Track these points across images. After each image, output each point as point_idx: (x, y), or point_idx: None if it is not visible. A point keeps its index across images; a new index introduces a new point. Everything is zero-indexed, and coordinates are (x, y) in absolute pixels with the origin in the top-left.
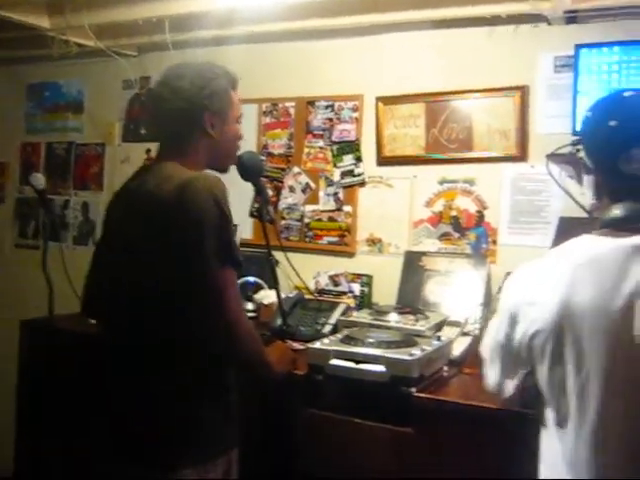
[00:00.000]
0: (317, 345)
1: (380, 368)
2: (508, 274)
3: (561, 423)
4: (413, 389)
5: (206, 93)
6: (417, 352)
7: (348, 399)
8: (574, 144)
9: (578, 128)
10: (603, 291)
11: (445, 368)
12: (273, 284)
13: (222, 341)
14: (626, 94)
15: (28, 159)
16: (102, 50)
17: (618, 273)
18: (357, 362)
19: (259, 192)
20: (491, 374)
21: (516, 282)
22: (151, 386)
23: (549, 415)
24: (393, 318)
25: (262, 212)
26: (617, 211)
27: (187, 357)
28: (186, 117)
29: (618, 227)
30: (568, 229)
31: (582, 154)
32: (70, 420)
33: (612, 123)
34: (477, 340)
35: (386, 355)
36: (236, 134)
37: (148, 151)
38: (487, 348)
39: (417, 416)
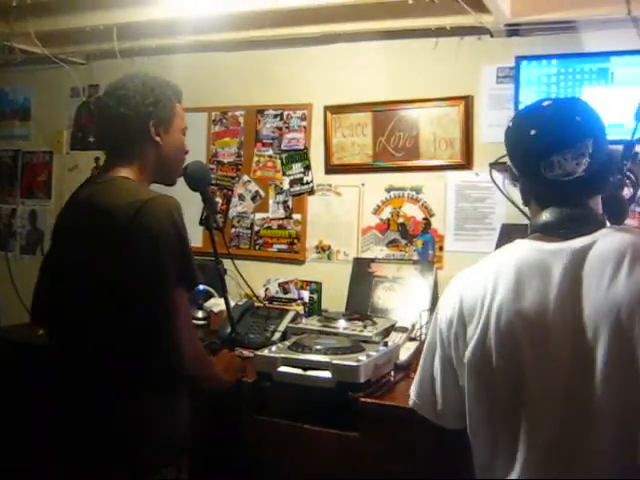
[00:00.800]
0: (265, 352)
1: (327, 374)
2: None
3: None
4: (359, 394)
5: (151, 101)
6: (363, 358)
7: (296, 405)
8: None
9: None
10: (532, 295)
11: (392, 373)
12: (222, 293)
13: (169, 359)
14: (545, 103)
15: None
16: (50, 57)
17: (545, 276)
18: (305, 369)
19: (206, 201)
20: (413, 391)
21: (446, 297)
22: (98, 397)
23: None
24: (342, 325)
25: (209, 221)
26: (544, 217)
27: (133, 370)
28: (131, 125)
29: (546, 232)
30: (510, 235)
31: (508, 163)
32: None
33: (532, 132)
34: (423, 345)
35: (333, 361)
36: (181, 145)
37: (97, 159)
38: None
39: (364, 421)
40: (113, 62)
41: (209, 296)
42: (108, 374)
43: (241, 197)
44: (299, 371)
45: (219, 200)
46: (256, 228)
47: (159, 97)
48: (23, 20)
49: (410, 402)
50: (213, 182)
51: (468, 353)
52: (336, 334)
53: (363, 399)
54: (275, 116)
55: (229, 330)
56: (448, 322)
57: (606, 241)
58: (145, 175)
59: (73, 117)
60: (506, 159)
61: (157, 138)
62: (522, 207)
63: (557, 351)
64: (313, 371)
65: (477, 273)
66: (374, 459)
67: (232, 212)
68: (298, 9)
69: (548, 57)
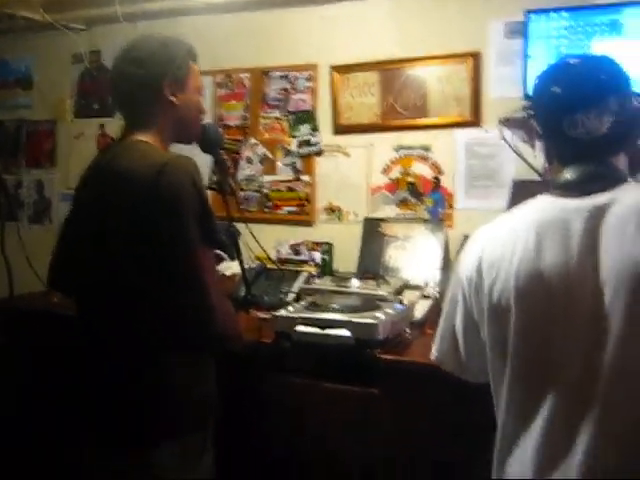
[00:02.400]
0: (283, 313)
1: (345, 332)
2: (465, 237)
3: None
4: (377, 351)
5: (163, 60)
6: (381, 315)
7: (316, 364)
8: (525, 108)
9: (529, 92)
10: (552, 253)
11: (408, 330)
12: (236, 255)
13: (199, 317)
14: (571, 61)
15: None
16: (50, 24)
17: (565, 234)
18: (323, 328)
19: (218, 164)
20: (435, 346)
21: (467, 252)
22: (123, 362)
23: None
24: (355, 284)
25: (222, 184)
26: (565, 175)
27: (160, 332)
28: (146, 86)
29: (567, 189)
30: (522, 192)
31: (533, 119)
32: (39, 404)
33: (555, 89)
34: (437, 302)
35: (351, 320)
36: (198, 105)
37: (102, 126)
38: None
39: (382, 377)
40: (114, 27)
41: (220, 259)
42: (136, 338)
43: (249, 160)
44: (317, 330)
45: (227, 164)
46: (265, 191)
47: (172, 56)
48: None
49: (432, 357)
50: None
51: (487, 308)
52: (350, 293)
53: (381, 355)
54: (281, 77)
55: (244, 292)
56: (469, 277)
57: (627, 197)
58: (163, 136)
59: (76, 84)
60: (515, 114)
61: (173, 98)
62: (532, 163)
63: (575, 310)
64: (331, 329)
65: (498, 229)
66: (394, 414)
67: (240, 175)
68: None
69: (558, 10)
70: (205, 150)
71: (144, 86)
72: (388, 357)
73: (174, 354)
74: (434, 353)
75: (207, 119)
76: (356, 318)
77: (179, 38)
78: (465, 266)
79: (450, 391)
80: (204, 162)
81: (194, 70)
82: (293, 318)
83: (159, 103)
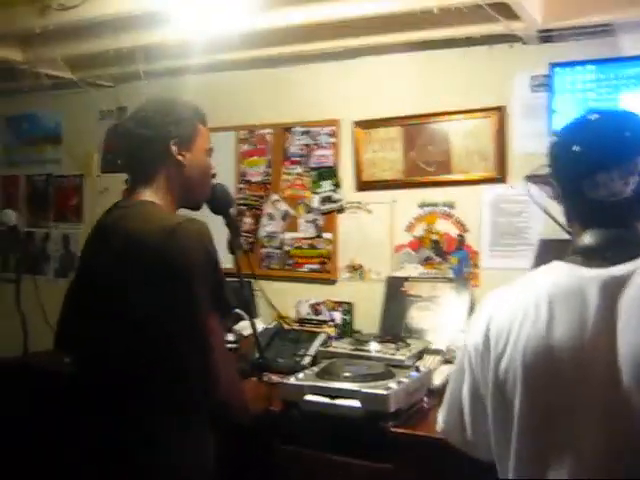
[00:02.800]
0: (291, 380)
1: (355, 403)
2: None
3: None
4: (390, 423)
5: (171, 120)
6: (394, 385)
7: (325, 435)
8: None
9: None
10: (564, 327)
11: (425, 399)
12: (249, 316)
13: (203, 385)
14: (591, 116)
15: (7, 192)
16: (77, 82)
17: (580, 307)
18: (332, 397)
19: (229, 225)
20: (441, 417)
21: (475, 320)
22: (123, 428)
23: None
24: (373, 347)
25: (233, 245)
26: (585, 240)
27: (161, 399)
28: (153, 145)
29: (586, 256)
30: (548, 251)
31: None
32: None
33: (575, 148)
34: None
35: (362, 390)
36: (206, 166)
37: (127, 181)
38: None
39: (396, 451)
40: (140, 84)
41: (240, 319)
42: (138, 403)
43: (270, 216)
44: (327, 400)
45: (249, 220)
46: (286, 248)
47: (179, 116)
48: (47, 45)
49: (438, 428)
50: (242, 202)
51: (492, 384)
52: (367, 358)
53: (394, 429)
54: (303, 133)
55: (257, 355)
56: (475, 346)
57: None
58: (170, 198)
59: (103, 140)
60: (544, 172)
61: (180, 157)
62: (561, 221)
63: (587, 392)
64: (341, 399)
65: (508, 296)
66: None
67: (261, 232)
68: (320, 23)
69: (583, 62)
70: (215, 212)
71: (152, 146)
72: (401, 430)
73: (172, 421)
74: (440, 424)
75: (228, 175)
76: (367, 388)
77: (186, 100)
78: (472, 334)
79: (471, 467)
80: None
81: (202, 131)
82: (302, 386)
83: (166, 163)
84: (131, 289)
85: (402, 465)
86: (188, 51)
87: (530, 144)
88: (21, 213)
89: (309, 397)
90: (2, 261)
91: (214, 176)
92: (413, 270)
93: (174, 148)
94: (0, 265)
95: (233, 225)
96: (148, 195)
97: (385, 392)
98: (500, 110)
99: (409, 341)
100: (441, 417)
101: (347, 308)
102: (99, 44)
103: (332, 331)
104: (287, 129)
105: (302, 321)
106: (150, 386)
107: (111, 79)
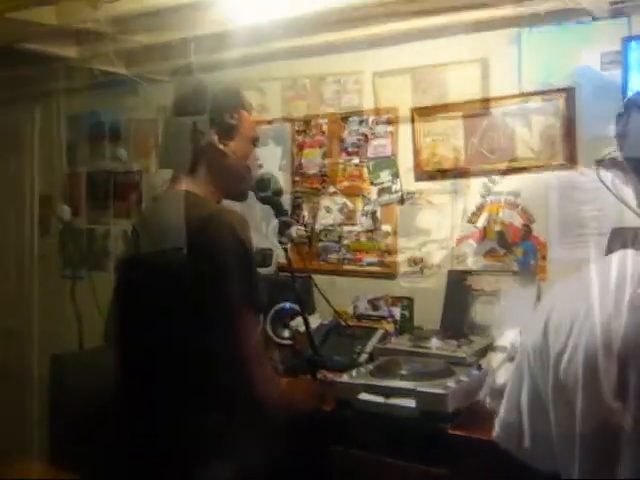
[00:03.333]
0: (344, 378)
1: (411, 403)
2: None
3: None
4: (447, 425)
5: (211, 108)
6: (452, 384)
7: (378, 436)
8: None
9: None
10: (628, 318)
11: (487, 399)
12: (303, 312)
13: (238, 382)
14: None
15: (70, 190)
16: (134, 77)
17: None
18: (387, 396)
19: (278, 214)
20: (497, 422)
21: (539, 311)
22: (166, 423)
23: None
24: (434, 344)
25: (281, 236)
26: None
27: (203, 396)
28: (194, 134)
29: None
30: (623, 240)
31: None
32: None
33: None
34: None
35: (417, 389)
36: (250, 155)
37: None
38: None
39: (452, 455)
40: (195, 78)
41: (296, 314)
42: (178, 399)
43: (327, 209)
44: (381, 399)
45: (305, 214)
46: (344, 241)
47: (221, 104)
48: (99, 41)
49: (494, 434)
50: (299, 195)
51: (552, 384)
52: (427, 355)
53: (451, 431)
54: (360, 122)
55: (310, 352)
56: (533, 345)
57: None
58: (212, 188)
59: (160, 136)
60: (615, 154)
61: (221, 146)
62: (636, 208)
63: None
64: (396, 399)
65: (570, 288)
66: None
67: (319, 225)
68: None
69: None
70: (263, 202)
71: (192, 135)
72: (459, 433)
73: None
74: (496, 430)
75: (285, 168)
76: (423, 387)
77: (231, 86)
78: (531, 330)
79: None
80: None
81: (246, 118)
82: (355, 385)
83: (208, 152)
84: (165, 279)
85: (459, 470)
86: (242, 41)
87: (601, 127)
88: (82, 210)
89: (363, 396)
90: (63, 258)
91: (261, 166)
92: (476, 263)
93: (215, 137)
94: (62, 262)
95: (282, 216)
96: (188, 185)
97: (442, 391)
98: (568, 92)
99: (472, 338)
100: (497, 422)
101: (406, 303)
102: (149, 37)
103: (391, 327)
104: (343, 119)
105: (360, 317)
106: (191, 381)
107: (167, 74)
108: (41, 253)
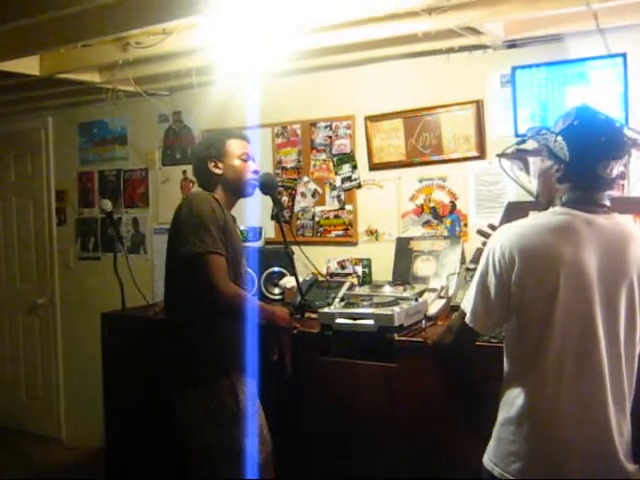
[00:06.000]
0: (326, 310)
1: (371, 322)
2: (478, 249)
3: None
4: (395, 335)
5: (205, 147)
6: (397, 309)
7: (351, 347)
8: (518, 144)
9: (520, 131)
10: (570, 247)
11: (423, 322)
12: (292, 272)
13: (212, 295)
14: (602, 117)
15: (84, 186)
16: (142, 92)
17: (582, 238)
18: (355, 319)
19: (275, 202)
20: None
21: (509, 231)
22: (176, 335)
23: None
24: (387, 290)
25: (278, 216)
26: (581, 195)
27: (199, 313)
28: (201, 167)
29: (578, 206)
30: (514, 211)
31: (554, 145)
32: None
33: (603, 139)
34: (449, 301)
35: (375, 312)
36: (241, 167)
37: (184, 172)
38: (473, 283)
39: (400, 354)
40: (192, 92)
41: (282, 275)
42: (181, 315)
43: (303, 195)
44: (351, 321)
45: (285, 199)
46: (317, 219)
47: (210, 143)
48: (122, 70)
49: (467, 320)
50: (280, 184)
51: (515, 282)
52: (380, 296)
53: (398, 338)
54: (326, 127)
55: (299, 299)
56: (502, 256)
57: (620, 222)
58: (222, 193)
59: (162, 139)
60: (509, 150)
61: (216, 170)
62: (527, 187)
63: (586, 295)
64: (361, 320)
65: (522, 226)
66: (410, 382)
67: (297, 207)
68: (341, 45)
69: (538, 65)
70: (264, 193)
71: (199, 167)
72: (404, 339)
73: (199, 320)
74: (469, 317)
75: (267, 163)
76: (378, 311)
77: (223, 129)
78: (499, 249)
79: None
80: (268, 200)
81: (230, 144)
82: (333, 313)
83: (211, 174)
84: (169, 246)
85: (404, 364)
86: (232, 65)
87: (502, 129)
88: (96, 202)
89: (338, 320)
90: (83, 244)
91: (256, 172)
92: (416, 231)
93: (211, 164)
94: (80, 247)
95: (278, 203)
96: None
97: (391, 312)
98: (478, 103)
99: (414, 285)
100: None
101: (366, 263)
102: (164, 67)
103: (355, 281)
104: (313, 124)
105: (332, 275)
106: (187, 308)
107: (167, 89)
108: (59, 240)
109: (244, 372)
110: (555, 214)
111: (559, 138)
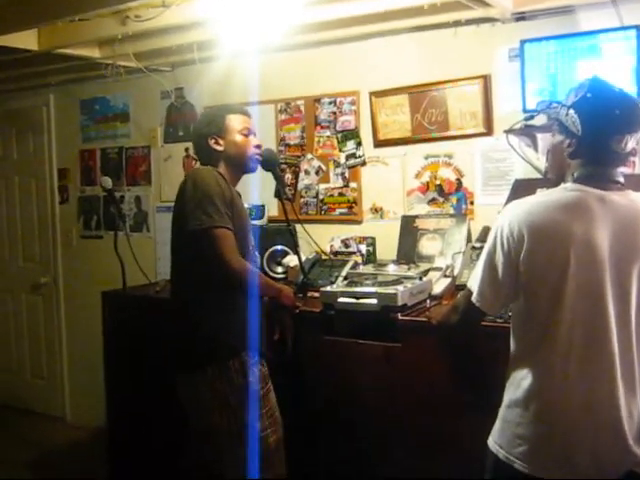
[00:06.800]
0: (328, 288)
1: (374, 301)
2: (485, 227)
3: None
4: (398, 314)
5: (204, 124)
6: (400, 288)
7: (353, 326)
8: (526, 119)
9: (528, 107)
10: (590, 227)
11: (428, 301)
12: (295, 250)
13: (221, 269)
14: (617, 89)
15: (86, 164)
16: (143, 68)
17: (594, 216)
18: (358, 298)
19: (276, 178)
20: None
21: (517, 208)
22: (182, 315)
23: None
24: (391, 268)
25: (280, 192)
26: (593, 171)
27: (208, 292)
28: (202, 144)
29: (591, 182)
30: (523, 188)
31: (565, 119)
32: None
33: (617, 112)
34: (454, 280)
35: (377, 291)
36: (243, 142)
37: (186, 149)
38: (479, 261)
39: (403, 333)
40: (194, 67)
41: (286, 254)
42: (189, 294)
43: (307, 172)
44: (354, 300)
45: (289, 176)
46: (321, 197)
47: (211, 119)
48: (122, 44)
49: (473, 299)
50: (283, 161)
51: (524, 261)
52: (385, 275)
53: (401, 317)
54: (330, 103)
55: (302, 278)
56: (510, 234)
57: (634, 199)
58: (225, 169)
59: (164, 116)
60: (517, 125)
61: (217, 146)
62: (535, 164)
63: (597, 274)
64: (364, 299)
65: (531, 203)
66: (413, 363)
67: (300, 185)
68: (342, 18)
69: (547, 38)
70: (266, 169)
71: (200, 144)
72: (407, 318)
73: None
74: (475, 297)
75: (270, 140)
76: (381, 290)
77: (220, 104)
78: (508, 227)
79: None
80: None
81: (230, 119)
82: (335, 292)
83: (213, 151)
84: (174, 221)
85: (407, 344)
86: (234, 40)
87: (509, 104)
88: (97, 180)
89: (341, 299)
90: (85, 222)
91: (258, 147)
92: (422, 209)
93: (212, 141)
94: (83, 225)
95: (279, 179)
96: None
97: (394, 291)
98: (485, 78)
99: (419, 264)
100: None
101: (370, 241)
102: (165, 41)
103: (359, 260)
104: (317, 100)
105: (335, 253)
106: (195, 282)
107: (169, 64)
108: (61, 218)
109: (254, 352)
110: (566, 190)
111: (571, 111)
